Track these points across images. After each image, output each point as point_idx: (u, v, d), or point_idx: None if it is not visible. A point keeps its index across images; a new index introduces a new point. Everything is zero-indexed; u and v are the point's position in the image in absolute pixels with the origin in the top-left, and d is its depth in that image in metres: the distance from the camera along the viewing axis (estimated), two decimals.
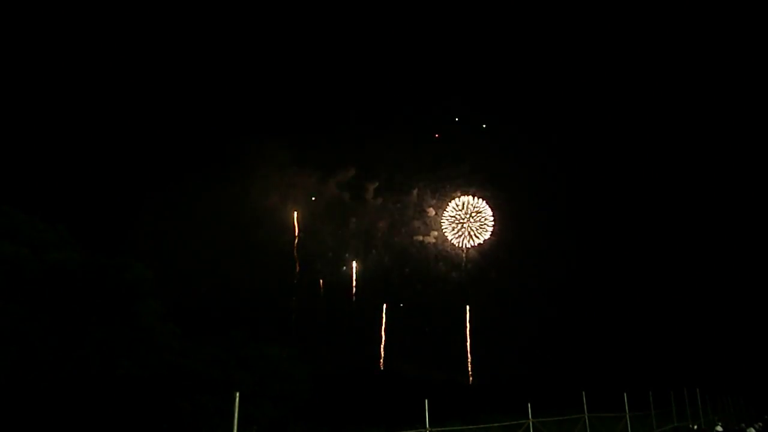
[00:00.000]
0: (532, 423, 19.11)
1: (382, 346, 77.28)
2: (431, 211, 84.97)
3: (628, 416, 24.59)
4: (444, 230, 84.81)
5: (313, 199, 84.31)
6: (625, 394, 24.47)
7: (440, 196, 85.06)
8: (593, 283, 76.38)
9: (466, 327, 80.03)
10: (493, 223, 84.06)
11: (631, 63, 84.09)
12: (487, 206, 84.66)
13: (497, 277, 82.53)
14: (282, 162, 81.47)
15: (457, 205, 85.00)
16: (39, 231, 16.56)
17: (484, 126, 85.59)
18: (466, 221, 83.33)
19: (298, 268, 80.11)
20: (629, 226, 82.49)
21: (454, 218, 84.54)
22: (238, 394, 9.71)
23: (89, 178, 65.45)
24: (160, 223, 69.05)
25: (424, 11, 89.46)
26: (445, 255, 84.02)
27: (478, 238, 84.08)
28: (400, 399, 32.93)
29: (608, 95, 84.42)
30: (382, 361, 76.60)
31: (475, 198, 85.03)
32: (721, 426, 25.63)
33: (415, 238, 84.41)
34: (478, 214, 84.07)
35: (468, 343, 79.18)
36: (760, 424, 28.66)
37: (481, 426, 20.45)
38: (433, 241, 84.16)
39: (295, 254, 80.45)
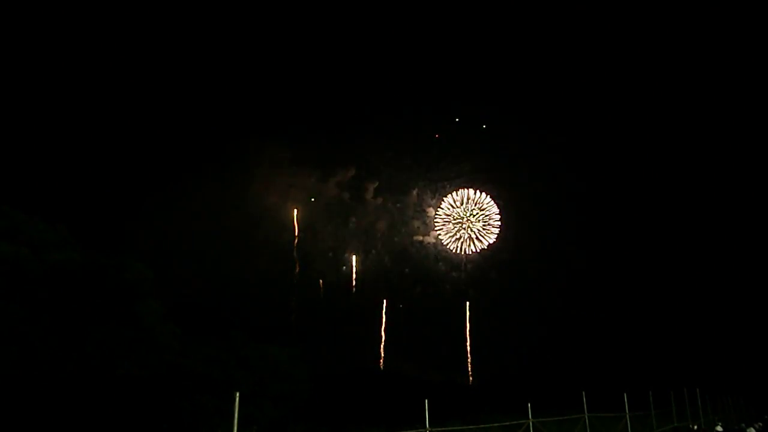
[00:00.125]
0: (532, 423, 19.12)
1: (382, 345, 77.27)
2: (431, 211, 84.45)
3: (628, 416, 24.61)
4: (438, 232, 74.65)
5: (313, 199, 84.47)
6: (625, 394, 24.48)
7: (440, 196, 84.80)
8: (593, 283, 76.50)
9: (466, 327, 79.89)
10: (499, 223, 74.90)
11: (630, 63, 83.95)
12: (493, 203, 73.01)
13: (497, 277, 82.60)
14: (281, 161, 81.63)
15: (455, 201, 75.87)
16: (39, 231, 16.57)
17: (484, 126, 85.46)
18: (466, 221, 78.04)
19: (297, 268, 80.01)
20: (629, 226, 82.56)
21: (451, 217, 76.04)
22: (238, 394, 9.71)
23: (89, 178, 65.46)
24: (160, 223, 69.21)
25: (424, 11, 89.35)
26: (445, 255, 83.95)
27: (480, 241, 73.90)
28: (400, 399, 32.91)
29: (610, 94, 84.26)
30: (382, 361, 76.57)
31: (478, 192, 74.22)
32: (721, 426, 25.65)
33: (414, 238, 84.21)
34: (481, 212, 74.97)
35: (468, 343, 79.08)
36: (760, 424, 28.66)
37: (481, 426, 20.47)
38: (433, 241, 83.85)
39: (295, 254, 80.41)
